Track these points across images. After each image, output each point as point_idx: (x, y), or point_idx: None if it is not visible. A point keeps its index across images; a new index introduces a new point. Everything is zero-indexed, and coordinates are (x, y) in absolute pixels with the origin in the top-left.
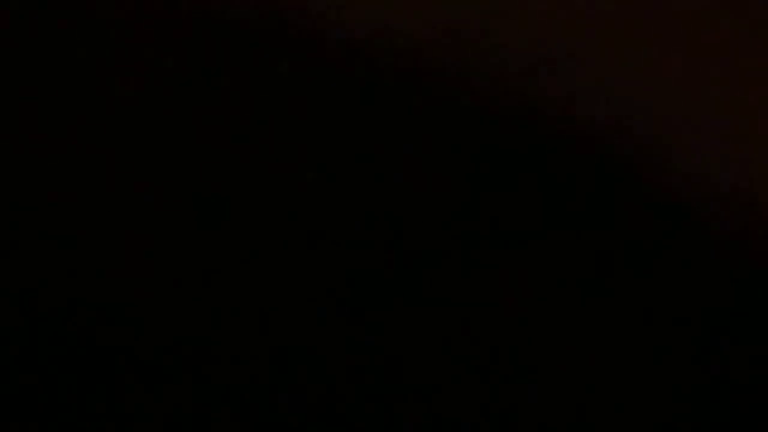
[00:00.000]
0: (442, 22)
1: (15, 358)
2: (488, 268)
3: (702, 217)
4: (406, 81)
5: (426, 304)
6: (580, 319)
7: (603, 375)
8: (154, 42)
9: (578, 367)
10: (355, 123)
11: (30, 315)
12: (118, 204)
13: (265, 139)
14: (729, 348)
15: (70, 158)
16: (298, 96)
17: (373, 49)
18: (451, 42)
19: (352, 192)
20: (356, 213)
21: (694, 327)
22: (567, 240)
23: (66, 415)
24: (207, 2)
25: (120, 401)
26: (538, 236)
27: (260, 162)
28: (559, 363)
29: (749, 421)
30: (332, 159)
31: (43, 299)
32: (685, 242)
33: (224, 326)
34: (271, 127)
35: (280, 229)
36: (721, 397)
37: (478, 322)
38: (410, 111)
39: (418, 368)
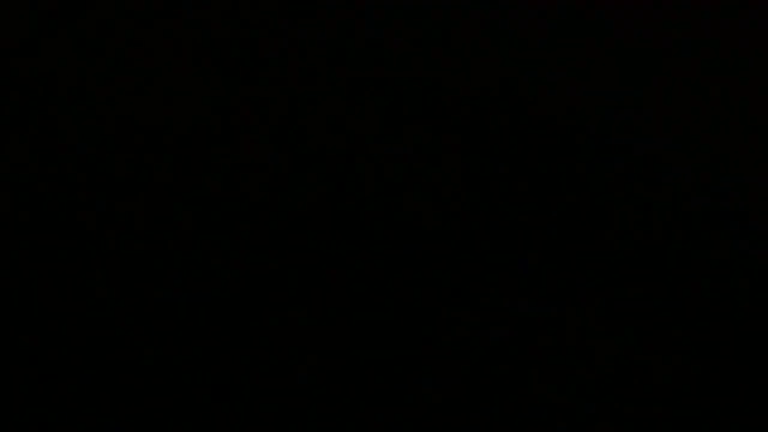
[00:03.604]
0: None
1: (15, 359)
2: (487, 267)
3: (698, 216)
4: (406, 81)
5: (425, 304)
6: (579, 317)
7: (602, 373)
8: (156, 40)
9: (577, 365)
10: (354, 123)
11: (30, 315)
12: (119, 203)
13: (266, 136)
14: (722, 347)
15: (70, 158)
16: (298, 95)
17: (373, 49)
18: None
19: (353, 191)
20: (356, 211)
21: (691, 325)
22: (566, 238)
23: (66, 414)
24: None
25: (119, 401)
26: (536, 235)
27: (261, 160)
28: (559, 361)
29: (749, 419)
30: (332, 158)
31: (42, 299)
32: (683, 241)
33: (224, 326)
34: (272, 126)
35: (280, 228)
36: (721, 396)
37: (478, 321)
38: (409, 111)
39: (417, 365)
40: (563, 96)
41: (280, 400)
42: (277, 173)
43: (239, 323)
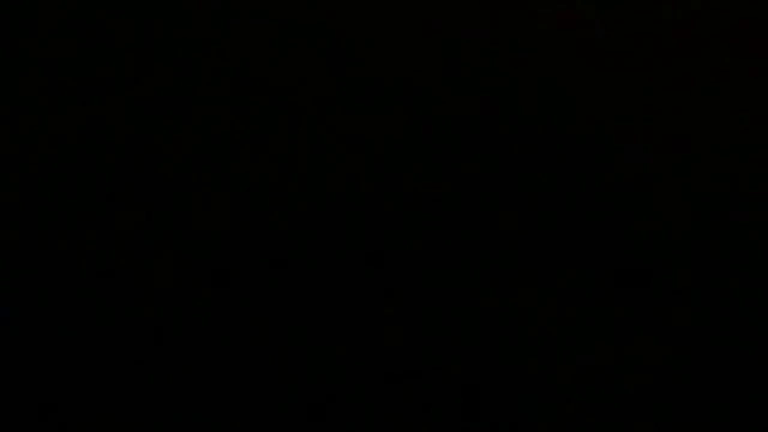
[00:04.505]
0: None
1: (14, 357)
2: (480, 268)
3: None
4: (403, 82)
5: (421, 303)
6: (578, 316)
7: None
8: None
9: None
10: (355, 124)
11: (30, 314)
12: (119, 202)
13: (266, 136)
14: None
15: (70, 157)
16: (297, 95)
17: (371, 53)
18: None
19: (353, 191)
20: (355, 212)
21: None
22: (565, 237)
23: (66, 413)
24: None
25: (119, 399)
26: (526, 233)
27: (262, 160)
28: (553, 359)
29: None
30: (332, 159)
31: (43, 297)
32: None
33: (225, 326)
34: (272, 125)
35: (282, 226)
36: (718, 395)
37: (474, 320)
38: (407, 112)
39: (417, 363)
40: (559, 96)
41: (279, 401)
42: (273, 172)
43: (237, 324)
